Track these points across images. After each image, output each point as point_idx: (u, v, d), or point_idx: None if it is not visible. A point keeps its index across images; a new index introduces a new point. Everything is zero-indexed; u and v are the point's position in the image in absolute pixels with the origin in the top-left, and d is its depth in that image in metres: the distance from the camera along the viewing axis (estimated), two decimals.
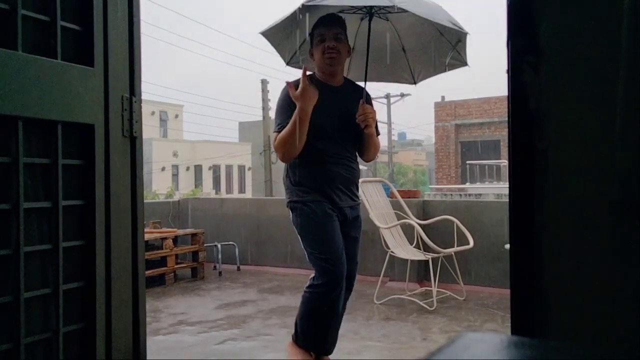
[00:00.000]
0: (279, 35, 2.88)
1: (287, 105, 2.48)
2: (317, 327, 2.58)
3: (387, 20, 2.92)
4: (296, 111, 2.37)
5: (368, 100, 2.65)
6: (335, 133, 2.55)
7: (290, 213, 2.61)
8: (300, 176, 2.55)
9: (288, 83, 2.42)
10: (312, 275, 2.60)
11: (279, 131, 2.48)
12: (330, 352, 2.65)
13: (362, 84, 2.75)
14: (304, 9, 2.58)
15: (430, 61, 3.11)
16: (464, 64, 3.02)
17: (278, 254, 5.76)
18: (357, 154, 2.70)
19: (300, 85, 2.35)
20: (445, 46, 2.95)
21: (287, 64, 3.04)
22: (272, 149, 2.68)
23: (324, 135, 2.51)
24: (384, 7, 2.70)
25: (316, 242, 2.53)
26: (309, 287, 2.59)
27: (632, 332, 0.85)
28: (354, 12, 2.82)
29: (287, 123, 2.43)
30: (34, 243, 1.30)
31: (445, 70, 3.09)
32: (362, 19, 2.89)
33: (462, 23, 2.82)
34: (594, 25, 0.88)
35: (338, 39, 2.51)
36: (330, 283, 2.48)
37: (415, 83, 3.24)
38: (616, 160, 0.85)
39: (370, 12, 2.74)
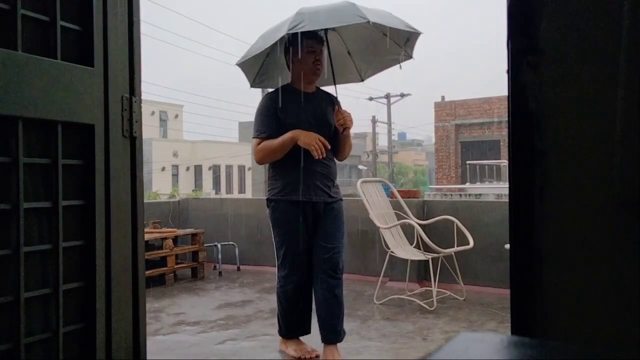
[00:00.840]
0: (247, 64, 3.22)
1: (269, 113, 2.85)
2: (292, 315, 2.98)
3: (334, 30, 3.18)
4: (289, 137, 2.76)
5: (339, 105, 3.02)
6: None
7: (268, 209, 2.95)
8: (279, 174, 2.89)
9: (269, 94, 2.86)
10: (278, 273, 2.99)
11: (260, 138, 2.84)
12: (309, 332, 3.05)
13: (326, 88, 3.11)
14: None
15: (376, 59, 3.42)
16: (409, 57, 3.29)
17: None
18: (332, 153, 2.98)
19: (302, 137, 2.75)
20: (392, 45, 3.21)
21: (251, 86, 3.41)
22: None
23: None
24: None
25: (281, 237, 2.91)
26: (278, 283, 2.99)
27: (632, 332, 0.85)
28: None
29: (267, 132, 2.82)
30: (34, 243, 1.30)
31: (394, 64, 3.36)
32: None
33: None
34: (594, 25, 0.88)
35: (322, 55, 2.91)
36: (292, 276, 2.90)
37: (362, 80, 3.52)
38: (616, 160, 0.85)
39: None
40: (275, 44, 2.83)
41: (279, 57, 3.09)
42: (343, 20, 2.88)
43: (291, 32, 2.73)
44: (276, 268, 3.01)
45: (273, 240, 2.97)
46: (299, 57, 2.86)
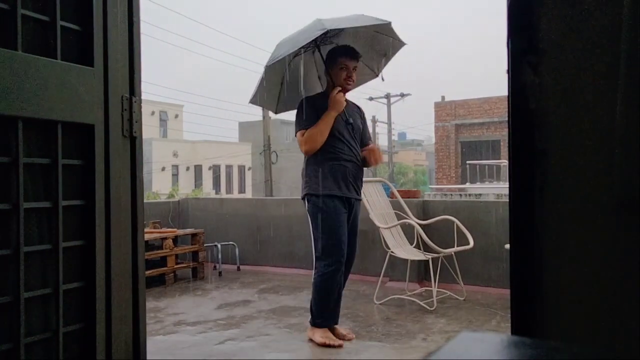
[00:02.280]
0: (260, 97, 3.53)
1: (309, 110, 3.17)
2: (329, 304, 3.16)
3: (333, 43, 3.45)
4: (327, 114, 3.11)
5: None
6: (348, 137, 3.21)
7: (306, 203, 3.18)
8: (317, 172, 3.14)
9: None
10: (318, 263, 3.15)
11: (305, 128, 3.14)
12: (337, 322, 3.29)
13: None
14: (267, 69, 3.27)
15: (378, 54, 3.66)
16: (403, 43, 3.55)
17: (278, 254, 5.76)
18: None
19: (336, 98, 3.14)
20: (383, 38, 3.51)
21: (276, 113, 3.77)
22: (299, 144, 3.26)
23: (341, 138, 3.18)
24: (322, 35, 3.25)
25: (325, 230, 3.09)
26: (317, 272, 3.14)
27: (632, 332, 0.85)
28: (305, 51, 3.43)
29: (310, 124, 3.12)
30: (34, 243, 1.30)
31: (393, 54, 3.63)
32: (313, 52, 3.52)
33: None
34: (594, 25, 0.88)
35: (354, 70, 3.24)
36: (335, 264, 3.09)
37: (377, 75, 3.75)
38: (616, 160, 0.85)
39: (316, 45, 3.35)
40: (298, 54, 3.18)
41: (299, 72, 3.44)
42: (360, 22, 3.30)
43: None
44: (314, 260, 3.17)
45: (312, 233, 3.16)
46: (333, 71, 3.21)
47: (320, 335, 3.17)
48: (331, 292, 3.13)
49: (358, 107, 3.46)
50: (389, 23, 3.36)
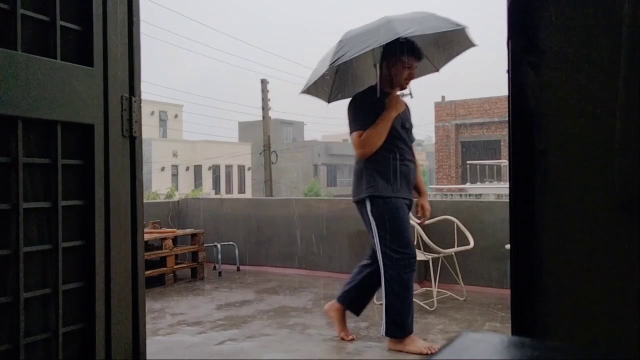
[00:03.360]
0: (314, 88, 3.42)
1: (365, 110, 3.04)
2: (411, 305, 3.02)
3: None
4: (387, 115, 2.97)
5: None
6: (405, 138, 3.10)
7: (368, 205, 3.01)
8: (379, 173, 3.00)
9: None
10: (386, 265, 2.98)
11: (362, 129, 2.98)
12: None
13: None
14: (330, 69, 3.12)
15: (443, 50, 3.52)
16: (473, 44, 3.36)
17: (278, 254, 5.76)
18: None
19: (398, 98, 3.05)
20: (454, 37, 3.32)
21: (329, 102, 3.62)
22: (355, 146, 3.10)
23: (401, 137, 3.06)
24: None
25: (395, 233, 2.96)
26: (394, 278, 2.96)
27: (632, 333, 0.85)
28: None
29: (366, 125, 2.97)
30: (33, 243, 1.30)
31: (459, 53, 3.46)
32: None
33: None
34: (594, 25, 0.88)
35: (415, 72, 3.13)
36: (410, 266, 2.97)
37: (437, 70, 3.61)
38: (616, 160, 0.85)
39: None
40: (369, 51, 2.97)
41: (356, 64, 3.30)
42: (440, 27, 3.08)
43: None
44: (382, 266, 2.99)
45: (376, 236, 3.01)
46: (394, 68, 3.06)
47: (416, 345, 2.99)
48: (411, 291, 3.00)
49: (408, 107, 3.30)
50: (464, 28, 3.14)
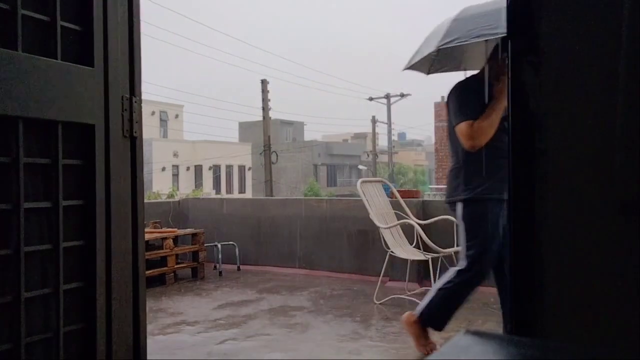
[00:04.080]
0: (418, 63, 3.28)
1: (472, 97, 2.83)
2: (452, 310, 2.96)
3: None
4: (499, 103, 2.73)
5: None
6: (502, 130, 2.83)
7: (462, 207, 2.85)
8: (476, 173, 2.82)
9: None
10: (461, 271, 2.87)
11: (473, 119, 2.75)
12: None
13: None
14: (438, 51, 3.00)
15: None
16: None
17: (278, 254, 5.76)
18: None
19: (505, 91, 2.68)
20: None
21: (428, 74, 3.47)
22: (463, 137, 2.84)
23: (505, 129, 2.79)
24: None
25: (479, 240, 2.82)
26: (457, 281, 2.87)
27: (632, 332, 0.85)
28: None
29: (476, 114, 2.74)
30: (34, 243, 1.30)
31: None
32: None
33: None
34: (594, 25, 0.88)
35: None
36: (479, 278, 2.87)
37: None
38: (616, 161, 0.85)
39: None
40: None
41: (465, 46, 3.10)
42: None
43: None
44: (457, 264, 2.91)
45: (465, 238, 2.86)
46: (493, 60, 2.88)
47: (423, 340, 2.98)
48: (461, 303, 2.92)
49: None
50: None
